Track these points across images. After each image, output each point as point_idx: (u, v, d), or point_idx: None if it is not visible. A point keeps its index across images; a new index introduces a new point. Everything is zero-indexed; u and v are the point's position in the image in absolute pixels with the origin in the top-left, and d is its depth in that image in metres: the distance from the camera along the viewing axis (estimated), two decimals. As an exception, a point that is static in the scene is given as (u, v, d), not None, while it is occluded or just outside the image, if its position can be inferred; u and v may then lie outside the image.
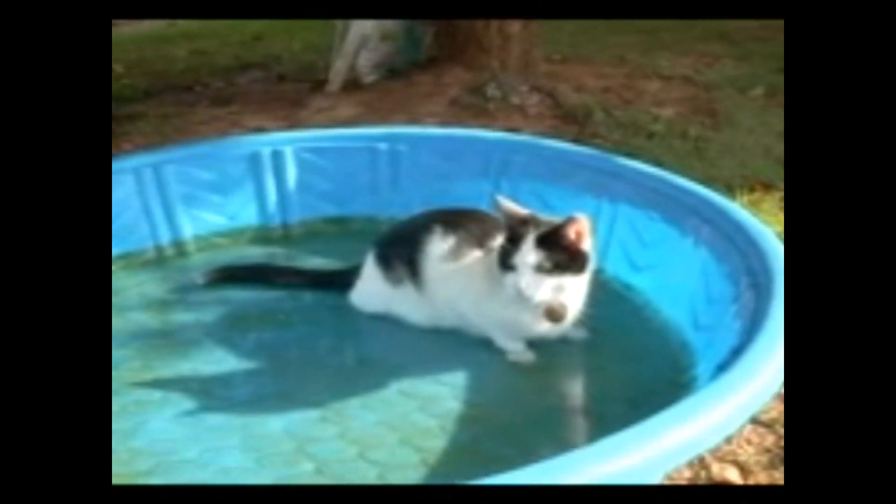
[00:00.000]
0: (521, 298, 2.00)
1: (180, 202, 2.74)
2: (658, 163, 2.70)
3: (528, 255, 1.98)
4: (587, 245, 2.04)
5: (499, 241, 2.15)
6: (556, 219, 2.03)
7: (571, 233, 2.00)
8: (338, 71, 4.45)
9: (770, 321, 1.71)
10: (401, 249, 2.26)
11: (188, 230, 2.74)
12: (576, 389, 2.09)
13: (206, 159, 2.82)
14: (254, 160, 2.83)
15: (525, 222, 2.03)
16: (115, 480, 1.59)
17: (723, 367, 1.61)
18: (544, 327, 2.12)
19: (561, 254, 2.00)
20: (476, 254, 2.17)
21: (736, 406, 1.50)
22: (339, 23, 4.49)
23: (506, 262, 2.02)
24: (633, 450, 1.37)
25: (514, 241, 2.01)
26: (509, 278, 2.01)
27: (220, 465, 1.80)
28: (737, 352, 1.64)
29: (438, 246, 2.19)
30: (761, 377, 1.56)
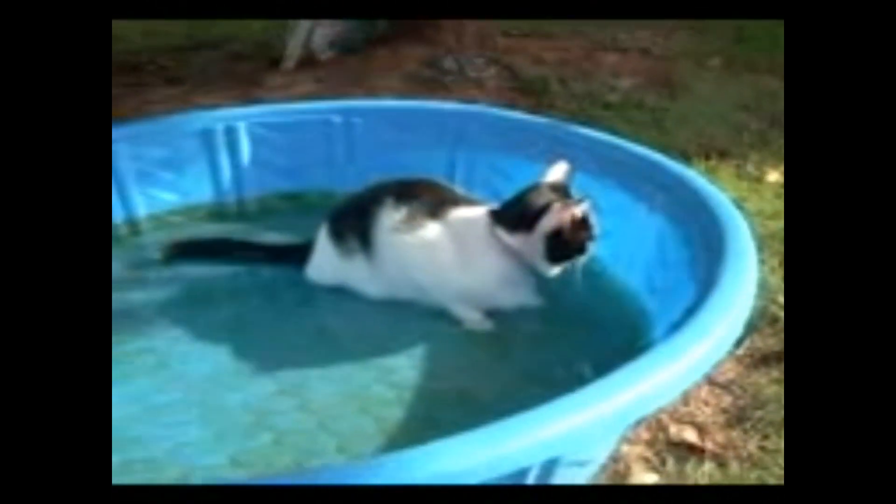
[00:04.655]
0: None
1: (133, 180, 2.68)
2: (615, 132, 2.70)
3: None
4: None
5: (454, 211, 2.14)
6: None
7: None
8: (293, 48, 4.41)
9: (723, 281, 1.73)
10: (352, 221, 2.24)
11: (141, 208, 2.69)
12: (533, 357, 2.08)
13: (158, 136, 2.76)
14: (207, 136, 2.78)
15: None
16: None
17: (676, 327, 1.62)
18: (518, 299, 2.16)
19: None
20: (431, 224, 2.14)
21: (688, 364, 1.51)
22: None
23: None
24: (585, 410, 1.37)
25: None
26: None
27: (178, 440, 1.79)
28: (690, 311, 1.65)
29: (390, 217, 2.17)
30: (714, 335, 1.57)
